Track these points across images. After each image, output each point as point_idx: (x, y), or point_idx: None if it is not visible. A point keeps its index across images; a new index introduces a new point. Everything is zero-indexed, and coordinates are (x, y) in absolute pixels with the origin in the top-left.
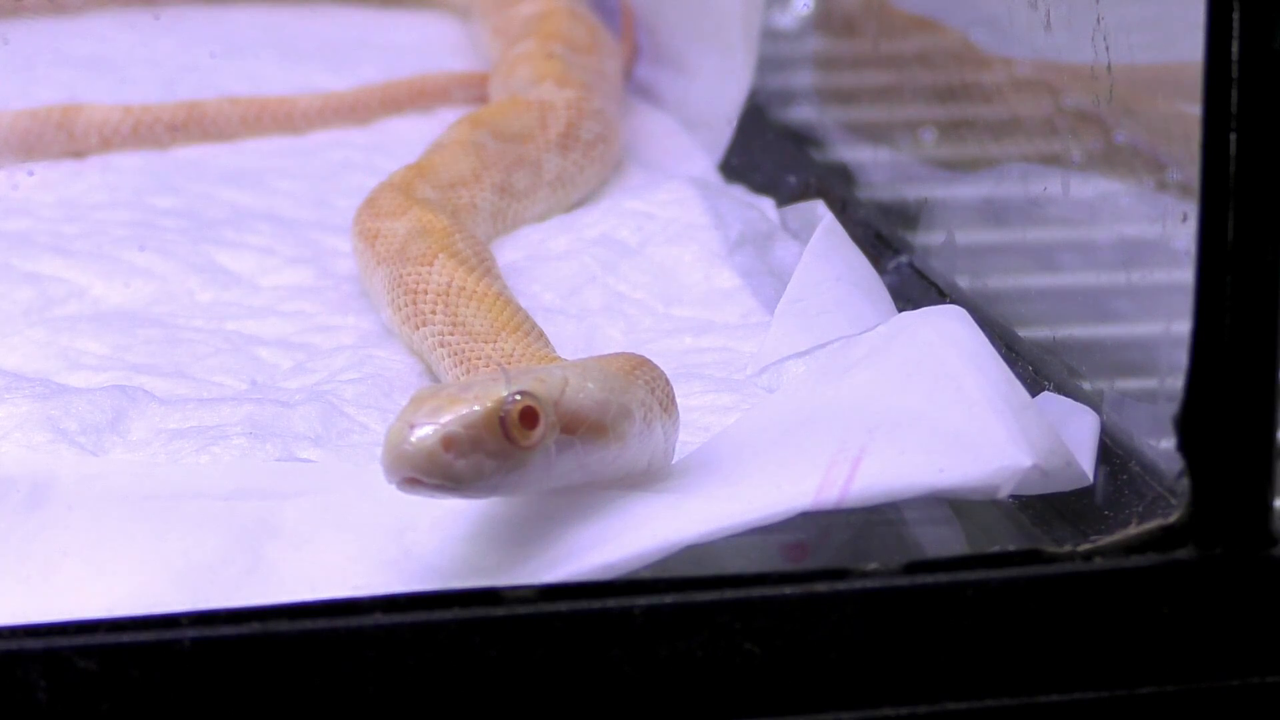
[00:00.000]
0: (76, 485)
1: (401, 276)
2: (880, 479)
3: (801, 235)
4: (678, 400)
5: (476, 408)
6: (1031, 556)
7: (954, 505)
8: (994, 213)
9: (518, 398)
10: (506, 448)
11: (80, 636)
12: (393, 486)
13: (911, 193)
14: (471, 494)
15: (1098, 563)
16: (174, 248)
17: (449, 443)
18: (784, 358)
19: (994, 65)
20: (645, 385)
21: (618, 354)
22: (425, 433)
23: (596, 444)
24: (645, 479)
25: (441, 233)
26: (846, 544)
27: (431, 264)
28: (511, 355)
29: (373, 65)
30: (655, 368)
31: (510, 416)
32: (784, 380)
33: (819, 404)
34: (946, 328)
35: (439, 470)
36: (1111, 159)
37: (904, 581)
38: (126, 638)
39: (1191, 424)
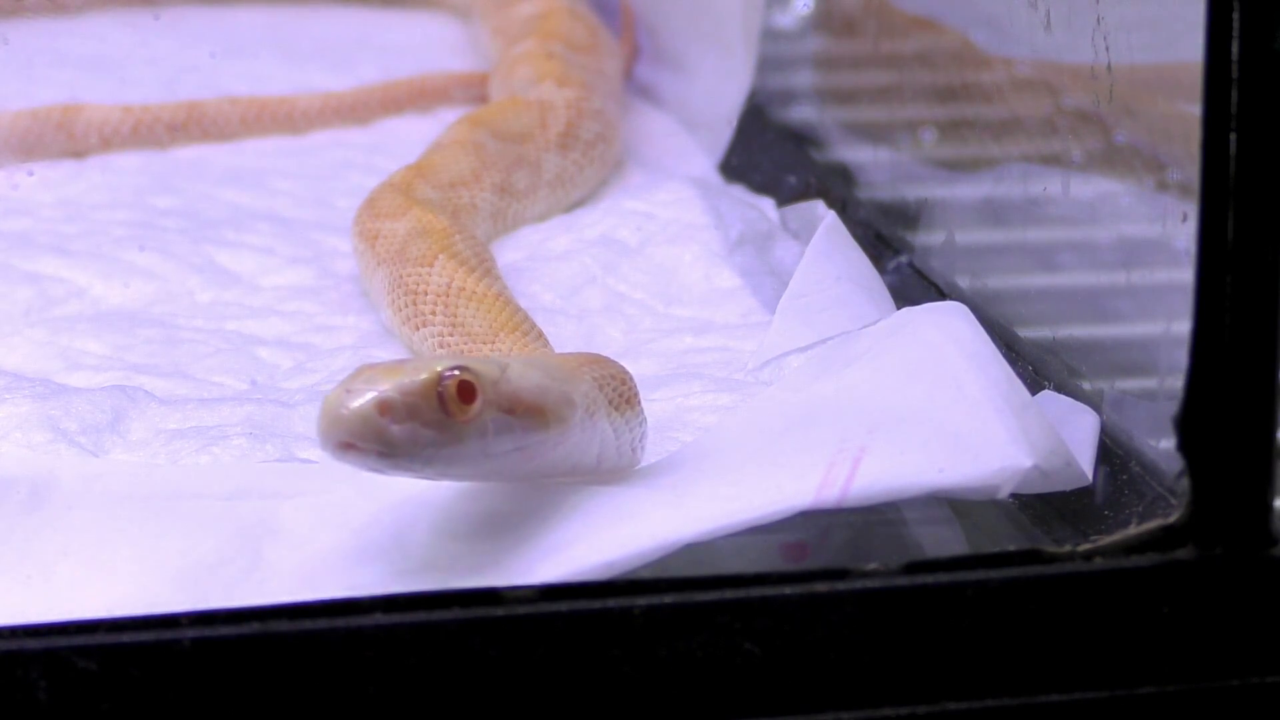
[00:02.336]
0: (76, 485)
1: (401, 277)
2: (880, 478)
3: (801, 235)
4: (678, 401)
5: (414, 377)
6: (1031, 556)
7: (954, 505)
8: (994, 213)
9: (456, 372)
10: (443, 419)
11: (80, 636)
12: (329, 455)
13: (911, 193)
14: (405, 466)
15: (1098, 563)
16: (174, 248)
17: (385, 407)
18: (785, 353)
19: (994, 65)
20: (592, 381)
21: (576, 353)
22: (362, 398)
23: (536, 427)
24: (607, 476)
25: (441, 233)
26: (846, 544)
27: (431, 265)
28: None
29: (373, 65)
30: (612, 366)
31: (448, 389)
32: (784, 374)
33: (819, 400)
34: (948, 324)
35: (374, 435)
36: (1111, 159)
37: (904, 581)
38: (126, 638)
39: (1191, 424)
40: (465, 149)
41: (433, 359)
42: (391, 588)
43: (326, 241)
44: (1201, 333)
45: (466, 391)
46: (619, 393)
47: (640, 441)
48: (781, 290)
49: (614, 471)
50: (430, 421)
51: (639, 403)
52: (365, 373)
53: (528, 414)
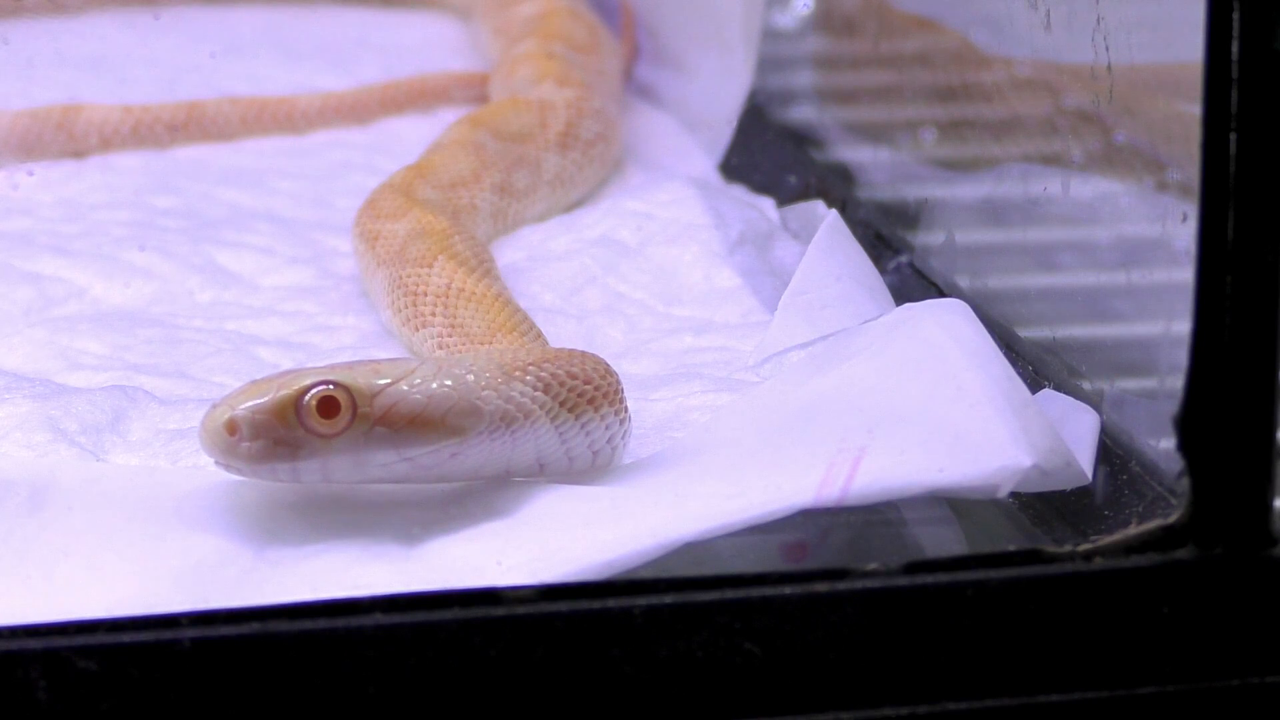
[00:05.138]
0: (77, 486)
1: (401, 278)
2: (881, 477)
3: (801, 235)
4: (678, 401)
5: (271, 395)
6: (1031, 556)
7: (954, 505)
8: (994, 213)
9: (322, 388)
10: (299, 435)
11: (80, 636)
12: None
13: (911, 193)
14: (272, 477)
15: (1098, 563)
16: (174, 248)
17: (232, 427)
18: (786, 348)
19: (994, 65)
20: (535, 383)
21: (547, 348)
22: (217, 415)
23: (424, 439)
24: (581, 475)
25: (441, 234)
26: (846, 544)
27: (431, 266)
28: None
29: (373, 65)
30: (580, 364)
31: (308, 406)
32: (784, 369)
33: (818, 396)
34: (948, 321)
35: (225, 451)
36: (1111, 159)
37: (904, 581)
38: (126, 638)
39: (1191, 424)
40: (465, 149)
41: (308, 373)
42: (392, 588)
43: (326, 241)
44: (1201, 333)
45: (327, 407)
46: (579, 394)
47: (610, 443)
48: (781, 290)
49: (575, 473)
50: (283, 438)
51: (609, 403)
52: (244, 388)
53: (410, 427)
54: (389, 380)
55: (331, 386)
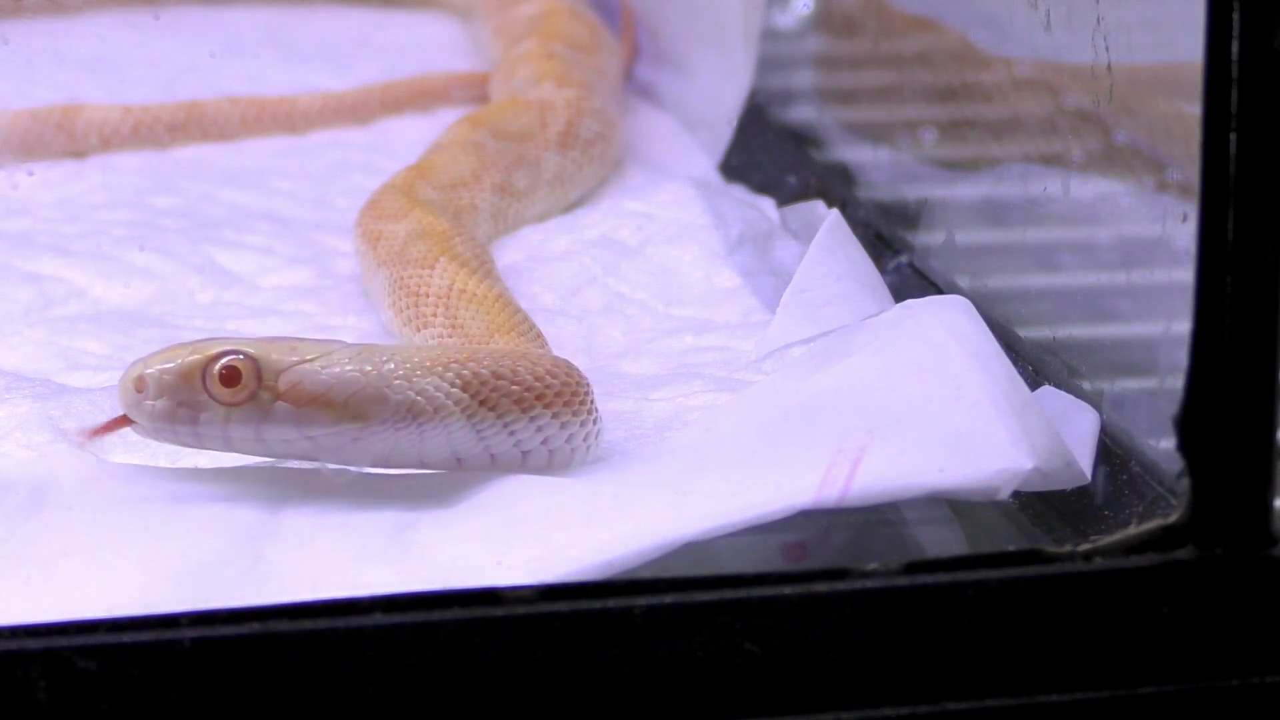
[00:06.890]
0: (76, 486)
1: (403, 279)
2: (881, 478)
3: (801, 235)
4: (678, 401)
5: (181, 358)
6: (1031, 556)
7: (954, 505)
8: (994, 213)
9: (235, 357)
10: (202, 400)
11: (80, 636)
12: None
13: (911, 193)
14: (171, 438)
15: (1098, 563)
16: (174, 248)
17: (139, 384)
18: (787, 345)
19: (994, 65)
20: (454, 379)
21: (489, 347)
22: (131, 372)
23: (325, 420)
24: (501, 473)
25: (442, 235)
26: (846, 544)
27: (432, 267)
28: None
29: (373, 65)
30: (505, 363)
31: (213, 372)
32: (785, 366)
33: (819, 394)
34: (949, 319)
35: (131, 407)
36: (1111, 159)
37: (904, 581)
38: (126, 638)
39: (1191, 424)
40: (465, 149)
41: (226, 341)
42: (392, 588)
43: (326, 241)
44: (1201, 333)
45: (232, 376)
46: (504, 394)
47: (547, 445)
48: (782, 290)
49: (506, 471)
50: (186, 400)
51: (544, 406)
52: (166, 349)
53: (312, 406)
54: (300, 358)
55: (240, 357)
